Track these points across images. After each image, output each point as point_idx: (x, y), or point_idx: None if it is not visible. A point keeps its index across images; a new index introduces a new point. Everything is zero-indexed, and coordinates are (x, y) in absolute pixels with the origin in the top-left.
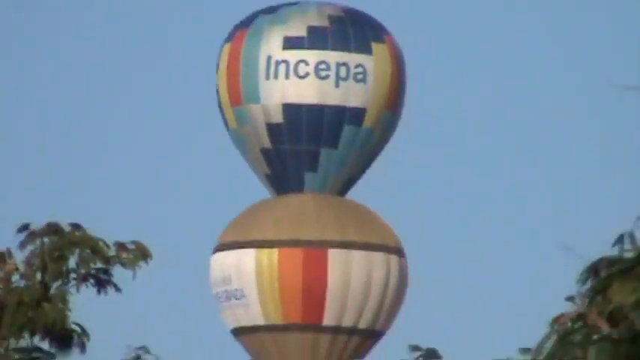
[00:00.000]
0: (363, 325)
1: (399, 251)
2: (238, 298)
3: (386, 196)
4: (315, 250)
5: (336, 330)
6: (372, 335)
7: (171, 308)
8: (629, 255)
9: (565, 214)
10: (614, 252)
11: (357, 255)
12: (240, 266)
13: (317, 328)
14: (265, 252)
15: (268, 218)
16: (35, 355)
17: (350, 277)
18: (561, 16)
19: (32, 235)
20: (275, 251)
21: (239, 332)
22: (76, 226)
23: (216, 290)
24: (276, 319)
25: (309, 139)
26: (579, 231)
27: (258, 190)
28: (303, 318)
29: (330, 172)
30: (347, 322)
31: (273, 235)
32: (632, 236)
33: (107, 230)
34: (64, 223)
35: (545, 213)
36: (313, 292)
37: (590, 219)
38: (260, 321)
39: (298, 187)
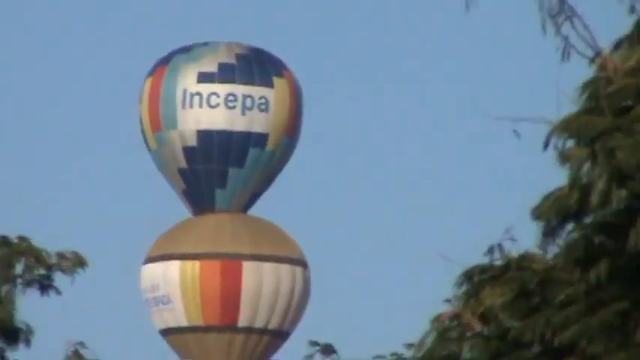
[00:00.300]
0: (272, 326)
1: (302, 263)
2: (165, 303)
3: (285, 210)
4: (231, 261)
5: (249, 330)
6: (280, 335)
7: (107, 310)
8: (498, 263)
9: (445, 228)
10: (485, 260)
11: (267, 266)
12: (167, 275)
13: (233, 328)
14: (189, 264)
15: (191, 234)
16: None
17: (261, 285)
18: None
19: None
20: (197, 263)
21: (166, 333)
22: (22, 239)
23: (146, 296)
24: (198, 321)
25: (219, 160)
26: (456, 242)
27: (176, 204)
28: (221, 320)
29: (237, 188)
30: (259, 323)
31: (195, 249)
32: (500, 247)
33: (49, 241)
34: (13, 235)
35: (428, 227)
36: (229, 298)
37: (465, 232)
38: (184, 323)
39: (210, 202)
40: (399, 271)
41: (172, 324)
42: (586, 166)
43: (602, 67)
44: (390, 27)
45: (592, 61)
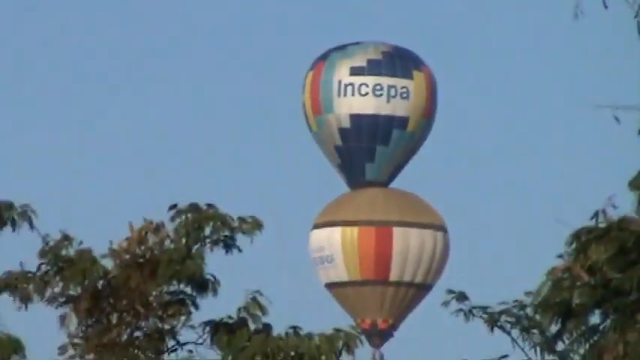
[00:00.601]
0: (417, 280)
1: (443, 229)
2: (329, 262)
3: (424, 182)
4: (383, 228)
5: (398, 284)
6: (424, 287)
7: (280, 267)
8: (602, 226)
9: (560, 196)
10: (591, 223)
11: (413, 231)
12: (331, 239)
13: (385, 282)
14: (348, 229)
15: (350, 205)
16: (182, 296)
17: (409, 246)
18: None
19: (179, 212)
20: (355, 229)
21: (330, 286)
22: (210, 206)
23: (313, 256)
24: (356, 276)
25: (368, 139)
26: (569, 208)
27: (334, 176)
28: (375, 275)
29: (383, 163)
30: (406, 278)
31: (354, 217)
32: (604, 212)
33: (232, 208)
34: (202, 203)
35: (547, 195)
36: (382, 257)
37: (577, 200)
38: (345, 278)
39: (361, 174)
40: (522, 233)
41: (335, 279)
42: None
43: None
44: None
45: None
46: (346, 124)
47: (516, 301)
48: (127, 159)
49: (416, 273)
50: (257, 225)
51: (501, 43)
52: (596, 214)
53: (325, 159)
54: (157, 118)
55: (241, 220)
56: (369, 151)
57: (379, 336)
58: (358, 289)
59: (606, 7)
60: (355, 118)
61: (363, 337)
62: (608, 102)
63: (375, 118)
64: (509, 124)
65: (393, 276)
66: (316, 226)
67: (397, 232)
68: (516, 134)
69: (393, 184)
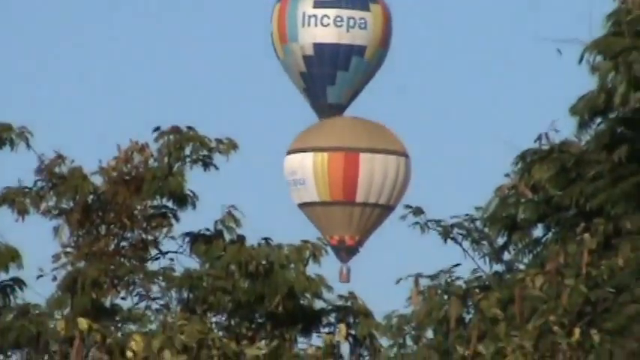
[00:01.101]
0: (381, 201)
1: (405, 155)
2: (302, 184)
3: (379, 105)
4: (351, 153)
5: (364, 205)
6: (387, 208)
7: (254, 188)
8: (545, 148)
9: (507, 120)
10: (535, 145)
11: (378, 157)
12: (303, 163)
13: (352, 203)
14: (319, 155)
15: (321, 133)
16: (164, 210)
17: (374, 170)
18: None
19: (162, 134)
20: (325, 154)
21: (302, 206)
22: (190, 128)
23: (287, 179)
24: (326, 197)
25: (330, 66)
26: (515, 131)
27: (299, 98)
28: (343, 197)
29: (343, 87)
30: (371, 199)
31: (324, 143)
32: (547, 136)
33: (210, 130)
34: (183, 125)
35: (495, 118)
36: (349, 180)
37: (521, 123)
38: (315, 199)
39: (323, 97)
40: (473, 153)
41: (307, 199)
42: (610, 76)
43: (624, 1)
44: None
45: None
46: (310, 52)
47: (467, 215)
48: (114, 87)
49: (380, 195)
50: (232, 145)
51: None
52: (539, 137)
53: (291, 84)
54: (140, 49)
55: (218, 141)
56: (330, 76)
57: (346, 251)
58: (327, 209)
59: None
60: (318, 47)
61: (329, 249)
62: (552, 36)
63: (336, 46)
64: (460, 55)
65: (359, 197)
66: (290, 152)
67: (363, 157)
68: (466, 65)
69: (352, 107)
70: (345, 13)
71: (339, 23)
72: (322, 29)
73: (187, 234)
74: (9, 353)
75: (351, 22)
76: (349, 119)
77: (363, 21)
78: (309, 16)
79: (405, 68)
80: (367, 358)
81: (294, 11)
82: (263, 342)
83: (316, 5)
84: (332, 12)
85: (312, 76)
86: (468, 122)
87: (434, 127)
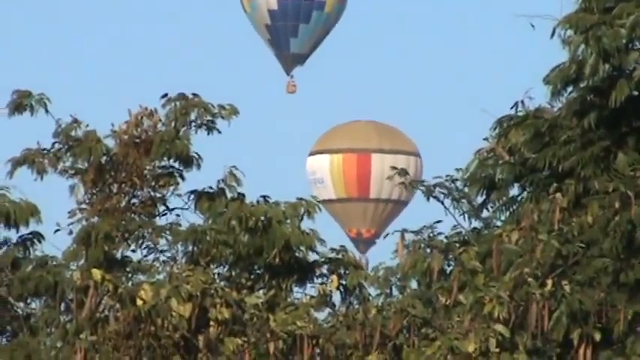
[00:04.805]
0: (394, 197)
1: (416, 154)
2: (321, 183)
3: (339, 59)
4: (364, 154)
5: (377, 200)
6: (401, 203)
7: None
8: (521, 114)
9: (486, 89)
10: (512, 112)
11: (388, 157)
12: (321, 164)
13: (366, 199)
14: (335, 156)
15: (337, 137)
16: (171, 170)
17: (384, 169)
18: None
19: (169, 100)
20: (340, 155)
21: (323, 203)
22: (195, 95)
23: (309, 178)
24: (342, 194)
25: (293, 18)
26: (494, 99)
27: (265, 49)
28: (358, 194)
29: (305, 38)
30: (384, 195)
31: (340, 146)
32: (522, 103)
33: (212, 98)
34: (188, 92)
35: (472, 87)
36: (362, 177)
37: (500, 92)
38: (333, 196)
39: (286, 47)
40: (453, 119)
41: (326, 197)
42: (581, 48)
43: None
44: None
45: None
46: (274, 6)
47: (448, 175)
48: (125, 56)
49: (392, 192)
50: (234, 111)
51: None
52: (515, 105)
53: (257, 35)
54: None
55: (220, 107)
56: (293, 28)
57: (364, 243)
58: (344, 205)
59: None
60: (282, 2)
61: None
62: (527, 12)
63: (298, 1)
64: (421, 12)
65: (373, 194)
66: (310, 154)
67: (375, 158)
68: (441, 36)
69: (313, 57)
70: None
71: None
72: None
73: (192, 192)
74: (29, 301)
75: None
76: (363, 123)
77: None
78: None
79: (362, 21)
80: (357, 306)
81: None
82: (261, 291)
83: None
84: None
85: (276, 28)
86: (445, 87)
87: (393, 82)
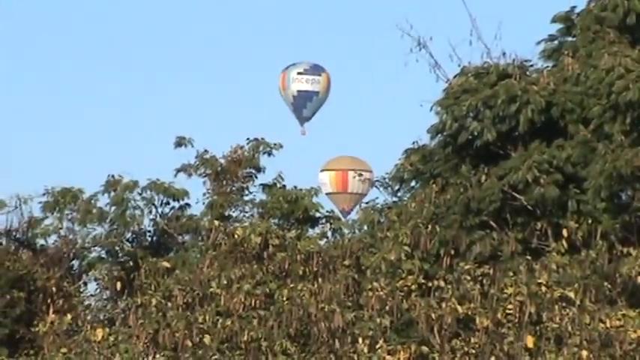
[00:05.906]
0: (360, 191)
1: (371, 171)
2: (325, 185)
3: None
4: (345, 172)
5: (352, 193)
6: (363, 195)
7: None
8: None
9: None
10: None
11: (352, 173)
12: (326, 176)
13: (345, 192)
14: (333, 172)
15: (333, 163)
16: (250, 174)
17: (355, 179)
18: None
19: (249, 140)
20: (334, 172)
21: (327, 194)
22: (262, 138)
23: (319, 183)
24: (335, 190)
25: (304, 99)
26: None
27: (290, 112)
28: (343, 190)
29: (310, 109)
30: (355, 191)
31: (333, 167)
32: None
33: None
34: (259, 136)
35: None
36: (345, 182)
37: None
38: (331, 191)
39: (301, 113)
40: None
41: (329, 191)
42: (443, 116)
43: None
44: None
45: None
46: (295, 93)
47: (384, 177)
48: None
49: (358, 188)
50: (279, 145)
51: None
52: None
53: (286, 106)
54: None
55: (273, 144)
56: (304, 103)
57: (346, 213)
58: (336, 195)
59: None
60: (298, 92)
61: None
62: None
63: (306, 91)
64: None
65: (350, 190)
66: (321, 171)
67: (350, 173)
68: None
69: (315, 117)
70: (310, 77)
71: (308, 80)
72: (299, 84)
73: (261, 184)
74: (184, 235)
75: (313, 79)
76: (345, 156)
77: (317, 79)
78: (294, 78)
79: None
80: (338, 237)
81: (289, 75)
82: (293, 231)
83: (298, 74)
84: (305, 76)
85: (296, 103)
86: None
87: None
